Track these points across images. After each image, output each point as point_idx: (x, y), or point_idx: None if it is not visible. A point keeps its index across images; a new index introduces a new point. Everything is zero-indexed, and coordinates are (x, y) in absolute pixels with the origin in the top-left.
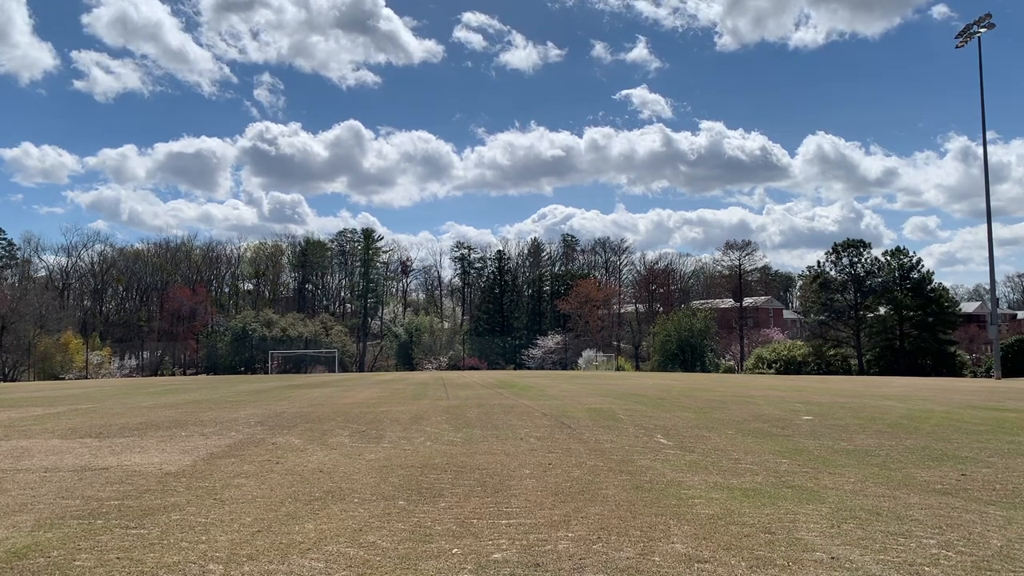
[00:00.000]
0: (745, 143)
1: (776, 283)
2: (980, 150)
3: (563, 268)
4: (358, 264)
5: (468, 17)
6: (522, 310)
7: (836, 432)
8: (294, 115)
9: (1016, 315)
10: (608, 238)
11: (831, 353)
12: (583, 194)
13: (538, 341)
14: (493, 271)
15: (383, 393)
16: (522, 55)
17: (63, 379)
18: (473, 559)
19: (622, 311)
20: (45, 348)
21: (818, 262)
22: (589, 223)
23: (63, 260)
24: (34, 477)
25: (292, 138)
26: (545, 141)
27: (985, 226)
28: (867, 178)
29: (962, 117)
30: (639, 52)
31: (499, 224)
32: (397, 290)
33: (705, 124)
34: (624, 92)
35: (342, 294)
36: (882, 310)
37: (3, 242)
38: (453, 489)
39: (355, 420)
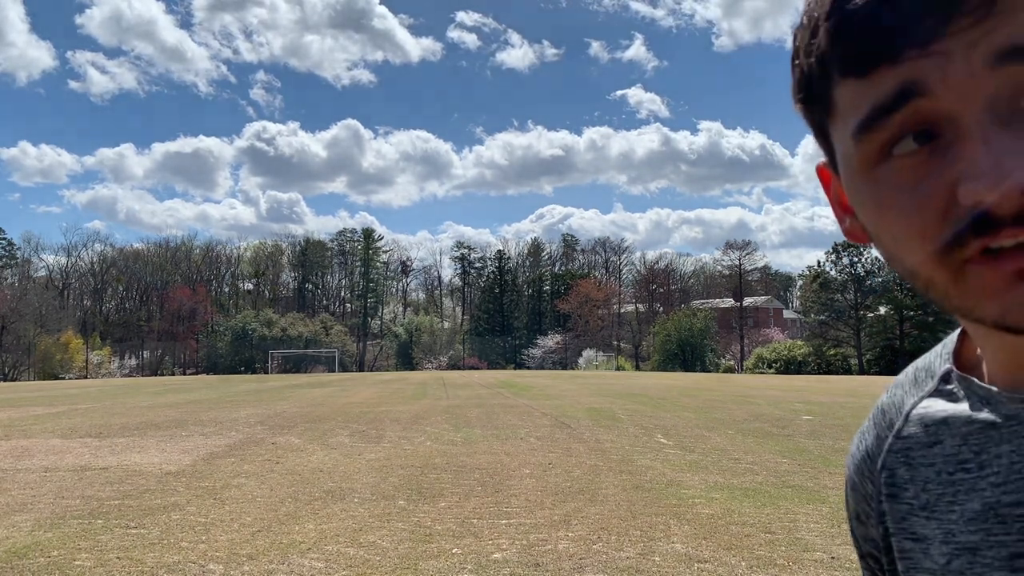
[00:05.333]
0: (744, 142)
1: (776, 283)
2: None
3: (563, 268)
4: (358, 264)
5: (462, 16)
6: (522, 310)
7: (836, 432)
8: (292, 114)
9: None
10: (608, 238)
11: (831, 353)
12: (582, 194)
13: (538, 341)
14: (493, 271)
15: (383, 393)
16: (518, 54)
17: (63, 379)
18: (473, 559)
19: (622, 311)
20: (45, 348)
21: (818, 262)
22: (588, 223)
23: (63, 260)
24: (34, 477)
25: (290, 137)
26: (544, 141)
27: None
28: None
29: None
30: (636, 51)
31: (498, 224)
32: (397, 290)
33: (704, 124)
34: (621, 91)
35: (342, 294)
36: (882, 310)
37: (3, 242)
38: (453, 489)
39: (355, 420)
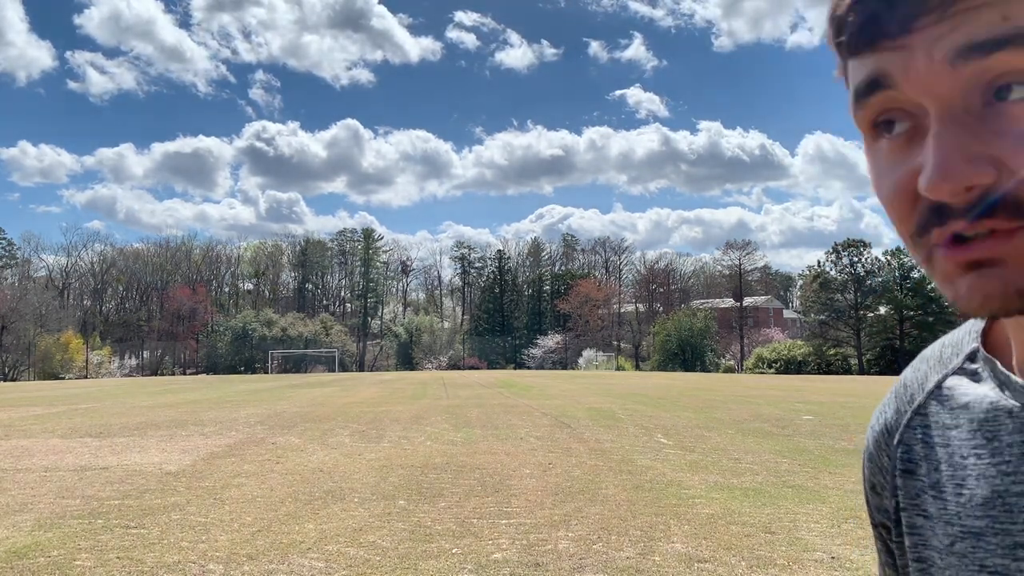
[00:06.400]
0: (744, 141)
1: (776, 283)
2: None
3: (563, 268)
4: (358, 264)
5: (461, 16)
6: (522, 310)
7: (836, 432)
8: (292, 114)
9: None
10: (608, 238)
11: (831, 353)
12: (582, 194)
13: (538, 341)
14: (493, 271)
15: (383, 393)
16: (517, 54)
17: (63, 379)
18: (473, 559)
19: (622, 311)
20: (45, 348)
21: (818, 262)
22: (587, 223)
23: (63, 260)
24: (34, 477)
25: (290, 137)
26: (543, 141)
27: None
28: (866, 177)
29: None
30: (635, 51)
31: (498, 224)
32: (397, 290)
33: (704, 124)
34: (621, 91)
35: (342, 294)
36: (882, 310)
37: (3, 242)
38: (453, 489)
39: (355, 420)
